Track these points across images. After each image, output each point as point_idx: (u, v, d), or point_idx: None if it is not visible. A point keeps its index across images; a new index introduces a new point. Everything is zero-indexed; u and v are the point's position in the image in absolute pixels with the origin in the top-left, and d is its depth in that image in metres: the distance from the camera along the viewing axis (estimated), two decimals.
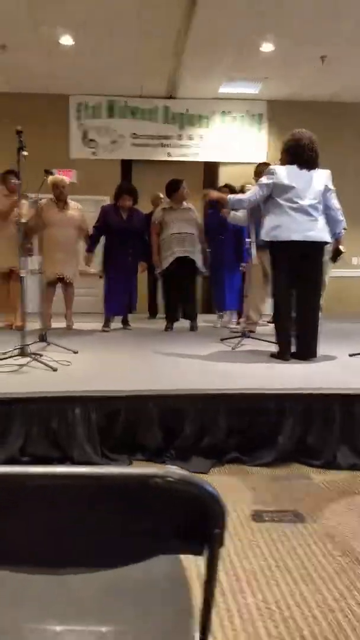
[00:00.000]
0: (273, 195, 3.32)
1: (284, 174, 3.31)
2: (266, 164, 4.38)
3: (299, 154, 3.31)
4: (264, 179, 3.38)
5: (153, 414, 2.37)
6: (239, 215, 3.86)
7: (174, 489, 0.58)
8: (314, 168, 3.33)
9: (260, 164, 4.83)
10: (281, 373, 2.93)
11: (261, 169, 4.27)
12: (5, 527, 0.61)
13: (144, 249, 4.95)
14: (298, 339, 3.38)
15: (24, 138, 3.10)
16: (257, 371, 2.97)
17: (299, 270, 3.30)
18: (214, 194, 4.00)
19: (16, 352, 3.08)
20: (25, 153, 3.10)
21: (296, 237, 3.21)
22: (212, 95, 6.78)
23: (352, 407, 2.44)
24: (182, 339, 4.37)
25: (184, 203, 4.91)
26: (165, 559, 0.93)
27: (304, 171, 3.29)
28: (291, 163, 3.32)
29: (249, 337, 4.00)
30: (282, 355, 3.32)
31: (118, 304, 4.91)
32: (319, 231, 3.27)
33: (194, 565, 1.51)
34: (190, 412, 2.39)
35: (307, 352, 3.34)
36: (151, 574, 0.89)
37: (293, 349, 3.37)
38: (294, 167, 3.30)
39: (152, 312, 6.10)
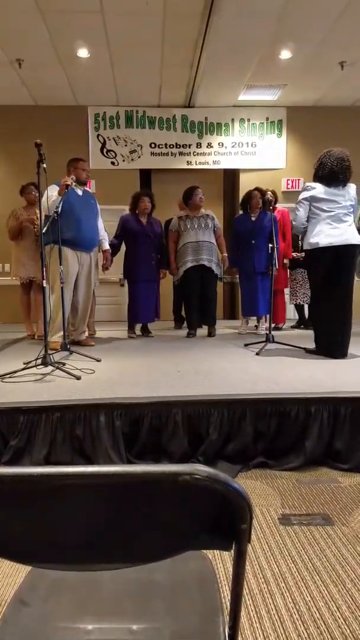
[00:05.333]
0: (310, 207, 3.57)
1: (321, 189, 3.53)
2: (249, 194, 5.01)
3: (334, 178, 3.50)
4: (303, 195, 3.59)
5: (178, 419, 2.39)
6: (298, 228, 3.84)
7: (202, 486, 0.60)
8: (348, 181, 3.59)
9: (246, 194, 5.12)
10: (308, 376, 2.91)
11: (245, 198, 5.05)
12: (42, 525, 0.63)
13: (163, 255, 5.00)
14: (331, 338, 3.59)
15: (44, 150, 3.17)
16: (282, 375, 2.96)
17: (336, 273, 3.49)
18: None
19: (39, 361, 3.14)
20: (44, 165, 3.18)
21: (335, 242, 3.44)
22: (231, 103, 6.81)
23: None
24: (205, 344, 4.38)
25: (202, 210, 4.94)
26: (194, 558, 0.94)
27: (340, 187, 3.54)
28: (327, 186, 3.52)
29: (273, 342, 4.00)
30: (328, 354, 3.56)
31: (144, 310, 4.94)
32: (354, 235, 3.49)
33: (221, 565, 1.53)
34: (216, 418, 2.40)
35: (339, 351, 3.54)
36: (180, 572, 0.90)
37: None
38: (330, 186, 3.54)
39: (178, 321, 5.88)
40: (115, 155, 6.88)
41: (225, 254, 5.01)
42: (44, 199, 3.64)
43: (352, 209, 3.55)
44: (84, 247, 4.19)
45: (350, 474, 2.31)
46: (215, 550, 0.74)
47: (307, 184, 3.65)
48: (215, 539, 0.66)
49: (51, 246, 3.82)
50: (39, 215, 3.82)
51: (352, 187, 3.58)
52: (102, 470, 0.60)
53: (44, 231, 3.36)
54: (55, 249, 3.81)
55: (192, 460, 2.37)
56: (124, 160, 6.89)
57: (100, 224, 4.48)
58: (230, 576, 0.70)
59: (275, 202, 4.98)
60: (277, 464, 2.38)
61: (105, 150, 6.88)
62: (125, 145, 6.89)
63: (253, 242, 4.95)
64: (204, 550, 0.93)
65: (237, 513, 0.62)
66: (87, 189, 4.40)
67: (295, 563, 1.58)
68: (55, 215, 3.61)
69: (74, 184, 4.07)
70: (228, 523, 0.64)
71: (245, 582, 0.74)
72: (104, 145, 6.88)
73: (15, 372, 2.98)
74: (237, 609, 0.70)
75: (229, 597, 0.70)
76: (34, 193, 4.82)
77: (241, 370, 3.14)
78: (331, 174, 3.50)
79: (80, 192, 4.23)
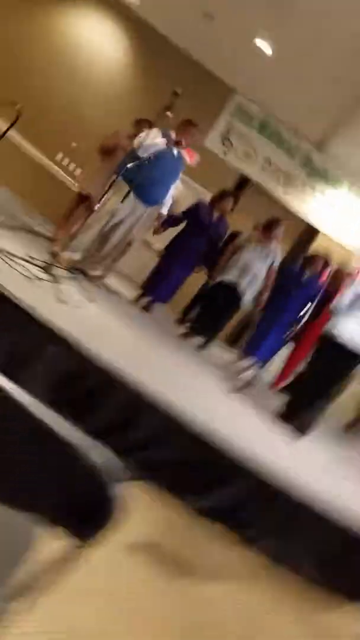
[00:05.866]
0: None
1: None
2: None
3: None
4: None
5: (119, 395, 2.31)
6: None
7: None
8: None
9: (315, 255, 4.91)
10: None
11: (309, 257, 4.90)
12: None
13: (212, 256, 4.90)
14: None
15: (176, 101, 3.10)
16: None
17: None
18: None
19: (41, 264, 3.06)
20: (170, 114, 3.10)
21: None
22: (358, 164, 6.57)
23: None
24: (194, 356, 4.30)
25: (274, 242, 4.81)
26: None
27: None
28: None
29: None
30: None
31: (162, 290, 4.86)
32: None
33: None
34: (152, 422, 2.32)
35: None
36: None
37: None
38: None
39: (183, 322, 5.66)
40: (230, 148, 6.77)
41: (265, 295, 4.81)
42: (144, 135, 3.58)
43: None
44: (145, 200, 4.09)
45: None
46: None
47: None
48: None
49: (122, 181, 3.75)
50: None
51: None
52: None
53: (128, 166, 3.31)
54: (124, 186, 3.74)
55: (102, 437, 2.29)
56: (235, 157, 6.76)
57: (172, 190, 4.37)
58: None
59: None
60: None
61: (224, 138, 6.78)
62: (244, 146, 6.79)
63: (290, 288, 4.80)
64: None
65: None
66: (184, 153, 4.28)
67: None
68: (146, 160, 3.54)
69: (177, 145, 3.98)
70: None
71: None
72: (227, 133, 6.77)
73: (15, 255, 2.90)
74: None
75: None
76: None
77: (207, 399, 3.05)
78: None
79: (175, 153, 4.13)
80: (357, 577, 2.38)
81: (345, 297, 3.56)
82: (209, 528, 2.26)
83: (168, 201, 4.45)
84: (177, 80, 4.76)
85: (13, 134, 5.72)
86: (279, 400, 3.93)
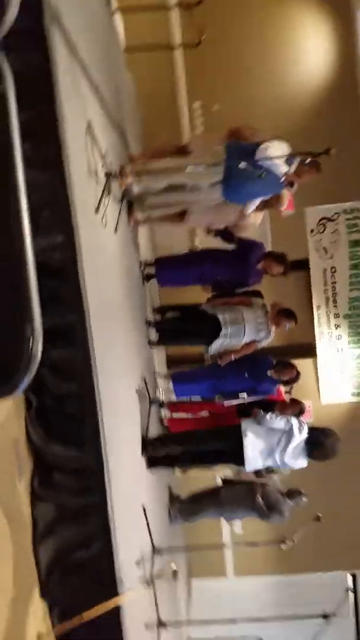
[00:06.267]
0: None
1: None
2: None
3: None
4: None
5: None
6: None
7: None
8: None
9: None
10: None
11: None
12: None
13: (226, 290, 4.88)
14: None
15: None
16: None
17: None
18: None
19: (108, 169, 3.00)
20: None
21: None
22: None
23: None
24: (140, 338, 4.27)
25: (274, 328, 4.72)
26: None
27: None
28: None
29: None
30: None
31: (169, 273, 4.83)
32: None
33: None
34: None
35: None
36: None
37: None
38: None
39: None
40: (321, 233, 6.63)
41: (231, 357, 4.70)
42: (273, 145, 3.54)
43: None
44: (227, 196, 3.99)
45: None
46: None
47: None
48: None
49: (222, 167, 3.68)
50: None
51: None
52: None
53: (240, 165, 3.28)
54: (220, 171, 3.67)
55: None
56: (316, 242, 6.65)
57: (252, 206, 4.29)
58: None
59: None
60: None
61: (325, 219, 6.68)
62: (331, 242, 6.67)
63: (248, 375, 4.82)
64: None
65: None
66: (286, 194, 4.21)
67: None
68: (257, 170, 3.46)
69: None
70: None
71: None
72: (331, 217, 6.65)
73: (96, 143, 2.81)
74: None
75: None
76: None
77: None
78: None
79: (281, 183, 3.93)
80: None
81: (278, 421, 3.65)
82: None
83: (252, 205, 4.32)
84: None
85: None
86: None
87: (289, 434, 3.82)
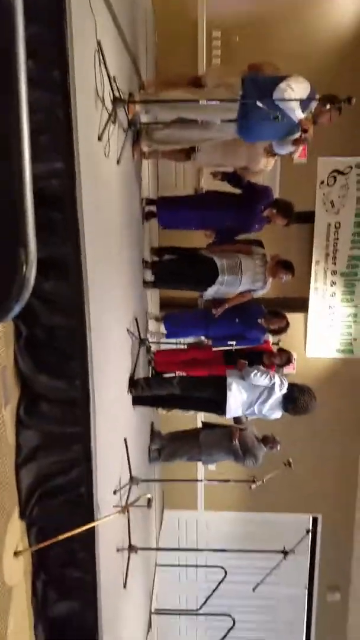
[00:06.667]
0: None
1: None
2: None
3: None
4: None
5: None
6: None
7: None
8: None
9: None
10: None
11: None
12: None
13: (228, 235, 4.78)
14: None
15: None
16: None
17: None
18: None
19: (116, 93, 2.84)
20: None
21: None
22: None
23: None
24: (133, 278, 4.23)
25: (271, 279, 4.73)
26: None
27: None
28: None
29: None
30: None
31: (171, 215, 4.71)
32: None
33: None
34: None
35: None
36: None
37: None
38: None
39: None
40: (332, 186, 6.43)
41: (225, 305, 4.72)
42: (295, 84, 3.38)
43: None
44: (240, 134, 3.83)
45: None
46: None
47: None
48: None
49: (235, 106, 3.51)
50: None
51: None
52: None
53: (258, 103, 3.12)
54: (234, 109, 3.51)
55: None
56: (326, 196, 6.45)
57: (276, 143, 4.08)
58: None
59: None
60: None
61: (336, 172, 6.45)
62: (340, 196, 6.47)
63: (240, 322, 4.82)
64: None
65: None
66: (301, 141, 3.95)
67: None
68: (272, 111, 3.29)
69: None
70: None
71: None
72: (342, 169, 6.44)
73: (106, 65, 2.65)
74: None
75: None
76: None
77: None
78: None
79: (296, 126, 3.72)
80: None
81: (262, 379, 3.71)
82: None
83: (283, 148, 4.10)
84: None
85: None
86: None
87: (270, 389, 3.91)
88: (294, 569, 6.90)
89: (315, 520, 7.17)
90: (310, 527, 6.51)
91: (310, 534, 5.89)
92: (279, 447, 4.44)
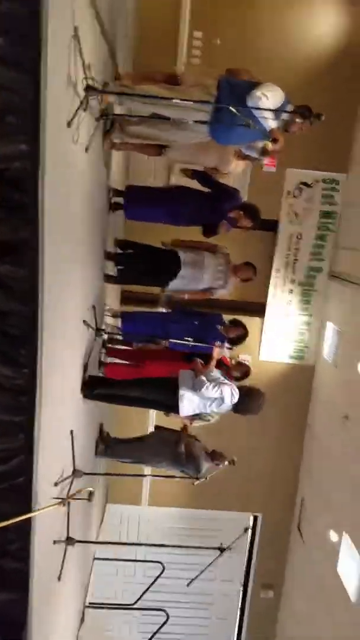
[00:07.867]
0: None
1: None
2: None
3: None
4: None
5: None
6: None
7: None
8: None
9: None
10: None
11: None
12: None
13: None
14: None
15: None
16: None
17: None
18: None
19: (89, 81, 2.80)
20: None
21: None
22: None
23: None
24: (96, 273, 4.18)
25: (232, 281, 4.81)
26: None
27: None
28: None
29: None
30: None
31: (138, 207, 4.68)
32: None
33: None
34: None
35: None
36: None
37: None
38: None
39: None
40: (299, 196, 6.55)
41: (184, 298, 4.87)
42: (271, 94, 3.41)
43: None
44: (211, 130, 3.81)
45: None
46: None
47: None
48: None
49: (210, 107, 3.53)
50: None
51: None
52: None
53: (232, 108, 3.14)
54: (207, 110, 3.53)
55: None
56: (291, 204, 6.58)
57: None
58: None
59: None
60: None
61: (303, 184, 6.58)
62: (305, 206, 6.61)
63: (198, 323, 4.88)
64: None
65: None
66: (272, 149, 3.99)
67: None
68: (245, 118, 3.31)
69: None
70: None
71: None
72: (308, 182, 6.57)
73: (81, 53, 2.61)
74: None
75: None
76: None
77: None
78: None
79: (267, 134, 3.76)
80: None
81: (213, 392, 3.90)
82: None
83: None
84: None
85: None
86: None
87: (220, 399, 3.97)
88: (231, 566, 7.03)
89: (255, 519, 7.34)
90: (251, 526, 6.65)
91: (249, 532, 6.02)
92: (226, 464, 4.35)
